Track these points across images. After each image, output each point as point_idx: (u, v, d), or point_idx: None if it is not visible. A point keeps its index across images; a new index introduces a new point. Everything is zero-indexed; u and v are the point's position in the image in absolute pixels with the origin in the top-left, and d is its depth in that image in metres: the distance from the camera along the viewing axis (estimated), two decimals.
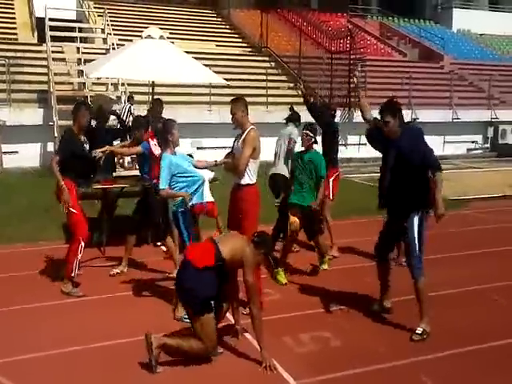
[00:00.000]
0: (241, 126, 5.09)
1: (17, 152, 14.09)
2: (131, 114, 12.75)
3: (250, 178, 5.05)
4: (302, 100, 8.28)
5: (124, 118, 12.68)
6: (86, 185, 6.25)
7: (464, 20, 29.21)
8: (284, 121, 7.30)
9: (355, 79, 6.12)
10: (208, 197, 6.64)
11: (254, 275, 4.18)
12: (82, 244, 5.57)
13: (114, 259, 6.52)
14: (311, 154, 6.21)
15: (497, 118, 20.70)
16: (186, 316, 4.89)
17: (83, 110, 5.77)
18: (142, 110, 12.52)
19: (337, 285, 5.90)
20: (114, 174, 7.32)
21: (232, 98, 5.23)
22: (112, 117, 9.75)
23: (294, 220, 6.03)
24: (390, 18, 29.28)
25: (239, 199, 5.06)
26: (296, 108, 7.55)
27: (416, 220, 4.61)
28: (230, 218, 5.22)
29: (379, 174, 5.17)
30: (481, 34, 29.39)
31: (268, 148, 6.98)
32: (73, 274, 5.57)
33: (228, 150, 5.49)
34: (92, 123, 7.66)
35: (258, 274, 5.12)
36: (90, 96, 14.34)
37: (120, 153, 6.84)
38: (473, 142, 20.88)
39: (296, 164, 6.31)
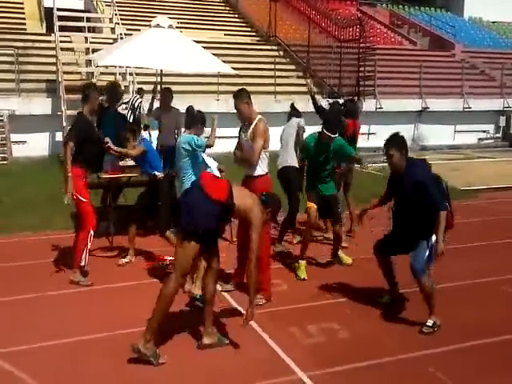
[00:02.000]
0: (248, 117, 5.03)
1: (25, 141, 14.15)
2: (140, 108, 12.62)
3: (261, 168, 5.06)
4: (308, 90, 8.23)
5: (132, 111, 12.58)
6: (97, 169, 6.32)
7: (476, 7, 28.78)
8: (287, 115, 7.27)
9: None
10: None
11: (259, 233, 4.09)
12: (92, 233, 5.58)
13: (121, 248, 6.53)
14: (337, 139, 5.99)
15: (509, 107, 20.46)
16: (198, 297, 4.88)
17: (94, 92, 5.76)
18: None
19: (346, 276, 5.86)
20: (121, 163, 7.29)
21: (238, 88, 5.20)
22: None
23: (312, 206, 5.90)
24: (400, 6, 28.97)
25: (252, 190, 5.02)
26: (302, 98, 7.48)
27: (430, 240, 4.57)
28: None
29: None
30: (493, 22, 28.99)
31: (277, 138, 6.94)
32: (82, 263, 5.57)
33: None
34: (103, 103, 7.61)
35: (268, 264, 5.11)
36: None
37: (123, 153, 6.59)
38: (484, 132, 20.68)
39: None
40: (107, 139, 5.86)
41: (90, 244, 5.59)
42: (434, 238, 4.52)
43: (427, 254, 4.56)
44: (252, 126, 5.02)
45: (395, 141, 4.68)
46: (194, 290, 5.04)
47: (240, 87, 5.23)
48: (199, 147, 5.45)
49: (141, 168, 6.46)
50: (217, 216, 4.02)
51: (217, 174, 7.07)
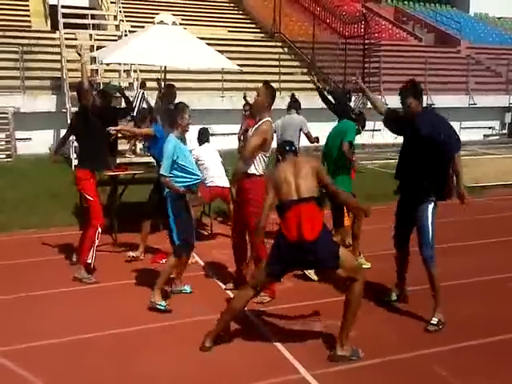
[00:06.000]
0: (258, 112, 5.02)
1: (30, 139, 14.20)
2: (144, 100, 12.72)
3: (256, 168, 4.95)
4: (313, 86, 8.21)
5: (137, 104, 12.65)
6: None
7: (481, 3, 28.61)
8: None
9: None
10: (227, 183, 6.89)
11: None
12: (99, 230, 5.58)
13: (125, 245, 6.52)
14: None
15: None
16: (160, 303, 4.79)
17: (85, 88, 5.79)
18: (154, 97, 12.48)
19: None
20: (126, 161, 7.29)
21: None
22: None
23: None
24: (405, 2, 28.84)
25: (243, 188, 5.02)
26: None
27: (429, 207, 4.53)
28: (236, 208, 5.24)
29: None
30: (499, 18, 28.82)
31: None
32: (89, 261, 5.56)
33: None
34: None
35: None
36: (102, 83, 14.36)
37: (132, 132, 6.67)
38: (490, 128, 20.58)
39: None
40: (109, 128, 5.79)
41: (97, 242, 5.58)
42: (432, 204, 4.52)
43: (430, 226, 4.50)
44: (258, 124, 5.00)
45: (411, 90, 4.66)
46: (153, 299, 4.84)
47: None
48: (178, 159, 4.80)
49: (150, 150, 6.37)
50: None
51: (221, 171, 7.08)
